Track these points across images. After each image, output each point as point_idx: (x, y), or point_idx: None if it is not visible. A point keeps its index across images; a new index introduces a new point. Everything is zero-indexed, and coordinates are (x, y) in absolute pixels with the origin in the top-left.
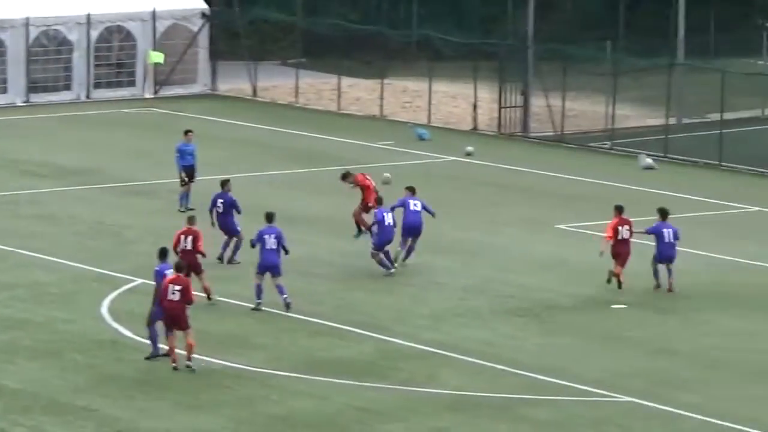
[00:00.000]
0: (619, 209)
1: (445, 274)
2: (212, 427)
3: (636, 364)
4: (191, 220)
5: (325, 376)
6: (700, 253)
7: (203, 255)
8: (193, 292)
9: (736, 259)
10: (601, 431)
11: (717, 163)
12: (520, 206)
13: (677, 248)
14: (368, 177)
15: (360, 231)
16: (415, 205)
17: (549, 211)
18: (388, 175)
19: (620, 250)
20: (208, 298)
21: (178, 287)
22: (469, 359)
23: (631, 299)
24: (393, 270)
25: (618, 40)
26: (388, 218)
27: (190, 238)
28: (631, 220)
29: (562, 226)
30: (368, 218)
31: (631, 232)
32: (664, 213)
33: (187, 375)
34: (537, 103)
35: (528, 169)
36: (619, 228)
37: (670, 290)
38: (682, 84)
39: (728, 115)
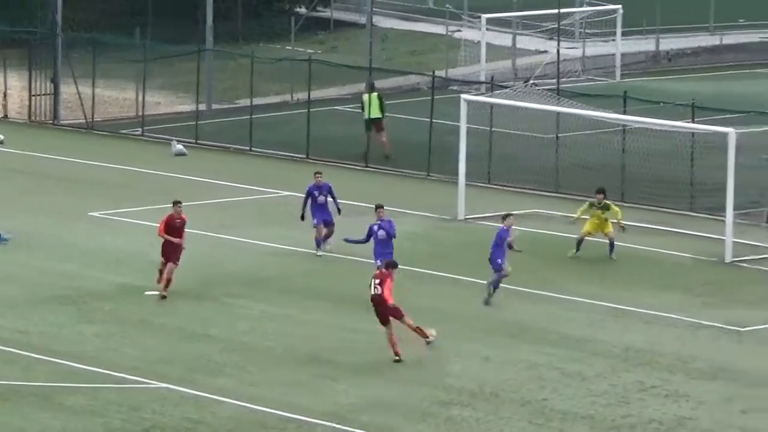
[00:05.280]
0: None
1: None
2: None
3: (171, 350)
4: None
5: None
6: (233, 238)
7: None
8: None
9: (270, 244)
10: (136, 417)
11: (247, 148)
12: (53, 194)
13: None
14: None
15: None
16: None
17: (82, 198)
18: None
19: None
20: None
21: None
22: (4, 348)
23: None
24: None
25: (147, 26)
26: None
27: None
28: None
29: (95, 214)
30: None
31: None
32: None
33: None
34: (67, 90)
35: (60, 156)
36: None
37: None
38: (211, 70)
39: (257, 101)
